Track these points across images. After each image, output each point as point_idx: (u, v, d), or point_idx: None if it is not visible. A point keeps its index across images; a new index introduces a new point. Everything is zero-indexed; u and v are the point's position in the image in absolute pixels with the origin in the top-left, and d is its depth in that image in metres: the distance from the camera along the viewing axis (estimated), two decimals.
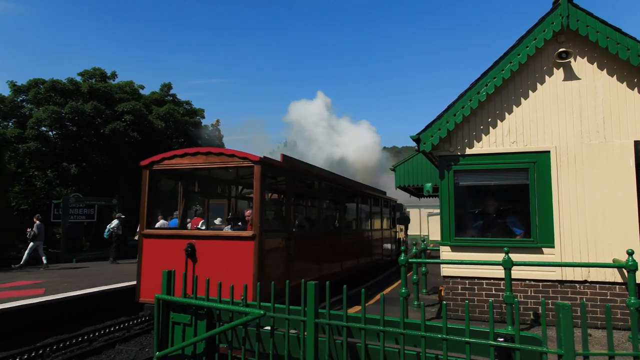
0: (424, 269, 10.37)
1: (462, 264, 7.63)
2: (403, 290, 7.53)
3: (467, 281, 7.95)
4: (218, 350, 3.35)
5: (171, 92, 32.60)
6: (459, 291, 7.97)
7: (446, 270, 8.07)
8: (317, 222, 11.17)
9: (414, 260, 7.95)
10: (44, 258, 16.37)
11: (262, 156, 7.71)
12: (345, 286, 2.96)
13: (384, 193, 18.42)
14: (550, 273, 7.50)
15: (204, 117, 34.35)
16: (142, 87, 30.82)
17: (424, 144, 8.02)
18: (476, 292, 7.89)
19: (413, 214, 38.78)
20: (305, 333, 2.90)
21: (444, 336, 2.54)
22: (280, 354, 3.11)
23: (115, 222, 18.46)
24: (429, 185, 11.55)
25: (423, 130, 8.08)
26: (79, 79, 28.52)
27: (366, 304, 2.83)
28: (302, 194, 12.14)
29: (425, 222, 34.25)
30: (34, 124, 24.95)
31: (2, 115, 26.00)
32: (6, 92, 27.13)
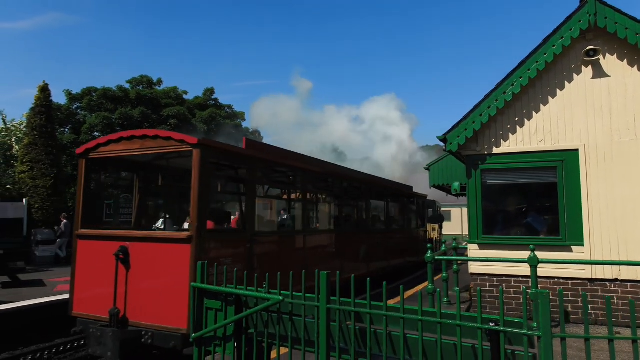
0: (455, 267, 10.49)
1: (487, 261, 7.75)
2: (430, 287, 7.76)
3: (495, 278, 8.06)
4: (245, 332, 3.78)
5: (213, 96, 33.80)
6: (487, 288, 8.09)
7: (474, 268, 8.21)
8: (304, 221, 9.48)
9: (440, 257, 8.14)
10: (59, 252, 17.42)
11: (202, 138, 6.37)
12: (368, 279, 3.28)
13: (410, 188, 17.09)
14: (579, 271, 7.50)
15: (244, 120, 35.42)
16: (186, 93, 32.19)
17: (450, 144, 8.20)
18: (504, 289, 7.98)
19: (454, 213, 38.19)
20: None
21: (438, 320, 2.84)
22: (298, 337, 3.50)
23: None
24: (456, 184, 11.63)
25: (449, 131, 8.25)
26: (127, 86, 30.17)
27: (388, 301, 3.13)
28: (281, 187, 10.61)
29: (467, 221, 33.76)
30: (87, 129, 26.67)
31: (60, 122, 27.90)
32: (62, 100, 29.05)
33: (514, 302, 7.87)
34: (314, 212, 11.17)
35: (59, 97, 37.37)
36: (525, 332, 2.55)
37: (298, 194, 10.04)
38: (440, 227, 22.46)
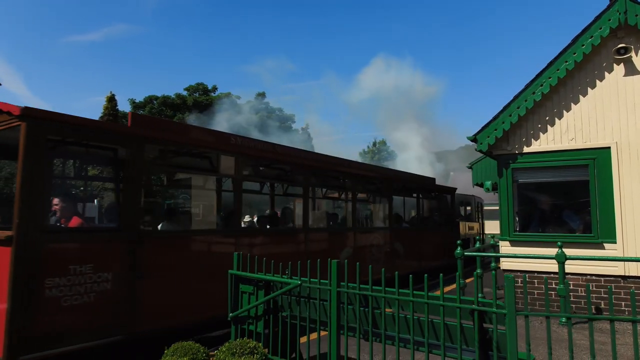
0: (493, 264, 10.65)
1: (516, 258, 7.96)
2: (461, 282, 8.09)
3: (527, 275, 8.23)
4: (273, 312, 4.43)
5: (264, 100, 35.18)
6: (519, 284, 8.28)
7: (506, 265, 8.43)
8: (238, 218, 7.42)
9: (469, 253, 8.42)
10: None
11: (31, 107, 4.71)
12: (383, 269, 3.80)
13: (432, 180, 14.73)
14: (612, 268, 7.54)
15: (294, 122, 36.53)
16: (239, 98, 33.74)
17: (481, 143, 8.47)
18: (536, 285, 8.15)
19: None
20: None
21: (425, 300, 3.34)
22: (314, 317, 4.11)
23: None
24: (488, 183, 11.72)
25: (480, 131, 8.52)
26: (185, 93, 32.13)
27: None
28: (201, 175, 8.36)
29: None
30: None
31: None
32: (128, 108, 31.41)
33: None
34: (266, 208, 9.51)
35: (124, 105, 40.46)
36: (494, 310, 3.00)
37: (236, 185, 7.44)
38: (482, 225, 20.53)
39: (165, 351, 3.81)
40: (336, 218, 10.91)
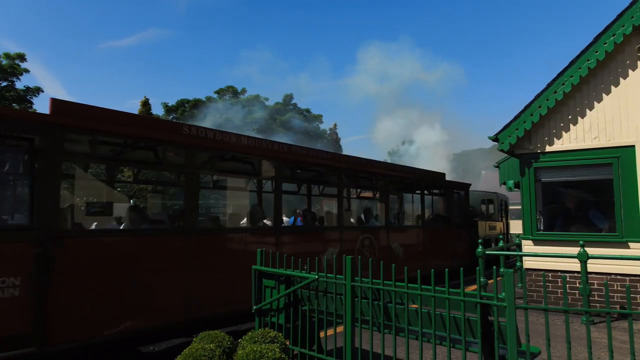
0: (518, 263, 10.64)
1: (537, 257, 7.99)
2: (482, 280, 8.17)
3: (550, 274, 8.24)
4: (293, 305, 4.73)
5: (292, 101, 35.67)
6: (542, 283, 8.30)
7: (528, 263, 8.47)
8: (191, 216, 6.41)
9: (490, 252, 8.49)
10: None
11: None
12: (393, 265, 4.06)
13: (442, 176, 13.50)
14: (638, 267, 7.48)
15: (322, 122, 36.85)
16: (267, 99, 34.35)
17: (502, 143, 8.53)
18: (559, 284, 8.15)
19: None
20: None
21: (432, 294, 3.56)
22: (331, 311, 4.38)
23: None
24: (510, 182, 11.65)
25: (501, 131, 8.58)
26: (215, 96, 32.98)
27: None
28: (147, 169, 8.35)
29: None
30: None
31: None
32: (161, 112, 32.52)
33: (570, 298, 8.00)
34: (223, 204, 9.08)
35: (158, 109, 41.83)
36: (495, 303, 3.19)
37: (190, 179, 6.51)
38: (506, 224, 19.21)
39: (194, 339, 4.17)
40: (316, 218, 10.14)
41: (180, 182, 8.29)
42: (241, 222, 8.70)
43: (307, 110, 35.97)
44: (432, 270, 3.68)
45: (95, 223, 6.59)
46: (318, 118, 36.36)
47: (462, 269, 3.49)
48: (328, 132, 37.97)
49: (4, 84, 21.39)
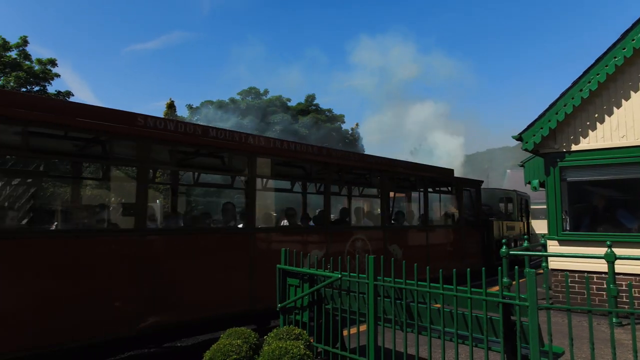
0: (543, 263, 10.50)
1: (562, 257, 7.89)
2: (505, 280, 8.12)
3: (576, 275, 8.13)
4: (317, 304, 4.83)
5: (314, 102, 35.82)
6: (569, 284, 8.18)
7: (554, 264, 8.36)
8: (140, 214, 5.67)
9: (515, 252, 8.42)
10: None
11: None
12: (415, 264, 4.10)
13: (450, 172, 12.35)
14: None
15: (344, 122, 36.90)
16: (289, 100, 34.63)
17: (526, 142, 8.44)
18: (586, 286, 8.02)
19: None
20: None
21: (454, 293, 3.60)
22: (354, 309, 4.47)
23: None
24: (535, 182, 11.46)
25: (525, 130, 8.50)
26: (238, 97, 33.41)
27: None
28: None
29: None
30: None
31: None
32: (186, 114, 33.14)
33: (597, 299, 7.87)
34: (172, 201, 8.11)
35: (182, 111, 42.72)
36: (517, 302, 3.22)
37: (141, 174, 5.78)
38: (527, 224, 18.26)
39: (222, 335, 4.31)
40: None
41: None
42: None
43: (329, 111, 36.16)
44: (454, 270, 3.72)
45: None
46: (340, 118, 36.48)
47: (483, 269, 3.52)
48: (350, 131, 38.03)
49: (37, 88, 22.18)
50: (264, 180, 8.95)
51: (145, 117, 6.03)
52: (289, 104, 33.94)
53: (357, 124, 39.75)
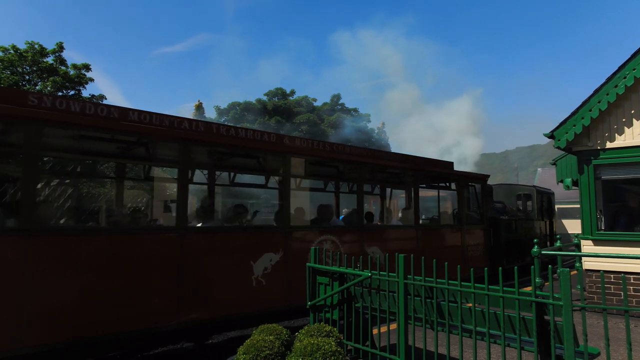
0: (577, 264, 10.24)
1: (597, 257, 7.69)
2: (538, 280, 7.97)
3: (612, 275, 7.92)
4: (346, 302, 4.88)
5: (340, 101, 35.85)
6: (604, 283, 7.97)
7: (589, 264, 8.17)
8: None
9: (547, 252, 8.24)
10: None
11: None
12: (446, 264, 4.10)
13: (449, 166, 11.18)
14: None
15: (369, 121, 36.76)
16: (315, 100, 34.79)
17: (558, 140, 8.27)
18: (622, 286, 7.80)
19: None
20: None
21: (486, 292, 3.59)
22: (384, 308, 4.50)
23: None
24: (568, 180, 11.17)
25: (557, 127, 8.32)
26: (265, 98, 33.75)
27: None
28: None
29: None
30: None
31: None
32: (213, 115, 33.70)
33: (634, 300, 7.65)
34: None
35: (211, 112, 43.45)
36: (551, 302, 3.19)
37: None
38: (550, 223, 16.75)
39: (254, 331, 4.42)
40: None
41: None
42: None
43: (355, 110, 36.14)
44: (486, 268, 3.71)
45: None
46: (366, 117, 36.40)
47: (516, 267, 3.49)
48: (376, 130, 37.88)
49: (72, 92, 22.98)
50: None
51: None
52: (315, 104, 34.14)
53: (382, 123, 39.57)
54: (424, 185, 10.74)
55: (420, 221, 10.33)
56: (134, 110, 5.86)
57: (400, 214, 10.63)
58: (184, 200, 5.86)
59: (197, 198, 8.28)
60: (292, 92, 34.03)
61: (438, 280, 4.01)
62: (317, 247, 6.67)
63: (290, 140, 7.69)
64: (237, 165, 8.36)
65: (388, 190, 11.57)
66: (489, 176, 12.22)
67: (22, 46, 21.85)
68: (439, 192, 11.19)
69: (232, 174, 8.89)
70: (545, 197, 16.60)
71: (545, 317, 3.42)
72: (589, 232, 8.10)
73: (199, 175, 8.41)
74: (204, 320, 5.88)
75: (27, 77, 22.10)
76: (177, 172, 6.18)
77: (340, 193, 10.57)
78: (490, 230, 11.72)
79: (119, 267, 5.19)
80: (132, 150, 6.99)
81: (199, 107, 28.18)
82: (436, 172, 10.47)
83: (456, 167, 11.77)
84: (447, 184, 11.07)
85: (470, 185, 11.38)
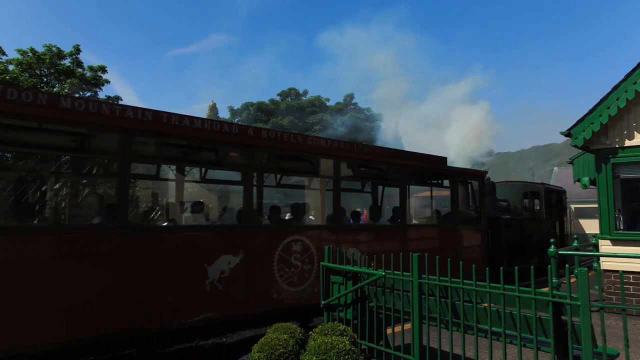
0: (595, 264, 10.08)
1: (616, 257, 7.56)
2: (555, 280, 7.86)
3: (630, 276, 7.78)
4: (360, 301, 4.88)
5: (353, 101, 35.80)
6: (623, 283, 7.83)
7: (607, 264, 8.03)
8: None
9: (564, 252, 8.12)
10: None
11: None
12: (460, 262, 4.08)
13: (442, 161, 10.14)
14: None
15: (382, 121, 36.67)
16: (328, 100, 34.76)
17: (575, 138, 8.15)
18: None
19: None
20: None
21: (502, 292, 3.56)
22: (398, 308, 4.48)
23: None
24: (585, 179, 10.97)
25: (574, 125, 8.20)
26: (278, 98, 33.87)
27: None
28: None
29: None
30: None
31: None
32: (227, 115, 33.92)
33: None
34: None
35: (224, 113, 43.74)
36: (568, 302, 3.15)
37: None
38: (561, 223, 15.97)
39: (268, 329, 4.44)
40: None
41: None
42: None
43: (368, 109, 36.11)
44: (501, 268, 3.67)
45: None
46: (378, 117, 36.33)
47: (532, 267, 3.45)
48: (389, 130, 37.76)
49: (89, 94, 23.33)
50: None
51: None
52: (328, 103, 34.17)
53: (396, 122, 39.43)
54: (413, 183, 9.74)
55: (416, 221, 9.98)
56: (66, 97, 5.42)
57: (392, 214, 9.66)
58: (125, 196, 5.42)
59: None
60: (305, 92, 34.19)
61: (452, 279, 3.98)
62: (282, 249, 6.49)
63: (255, 132, 6.92)
64: (196, 159, 7.30)
65: (379, 188, 10.56)
66: (486, 172, 11.20)
67: (40, 49, 22.26)
68: (432, 190, 10.56)
69: (202, 169, 8.18)
70: (555, 195, 15.70)
71: (563, 318, 3.38)
72: (607, 231, 7.96)
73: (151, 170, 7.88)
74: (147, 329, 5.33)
75: (45, 79, 22.51)
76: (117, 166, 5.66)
77: (311, 190, 9.58)
78: (488, 230, 10.68)
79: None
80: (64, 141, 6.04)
81: (213, 108, 28.39)
82: (426, 168, 9.48)
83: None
84: (440, 181, 10.09)
85: (467, 183, 10.38)
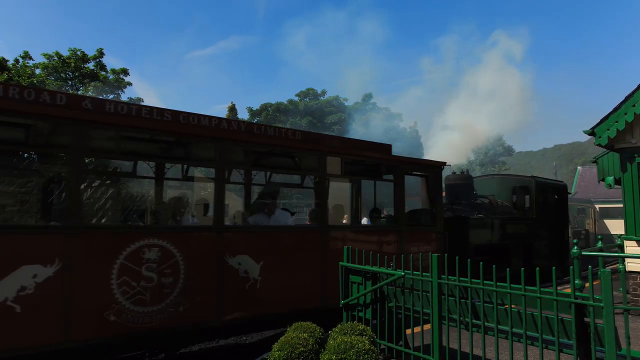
0: (620, 266, 9.85)
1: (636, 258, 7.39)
2: (577, 282, 7.73)
3: None
4: (379, 301, 4.90)
5: (371, 100, 35.70)
6: None
7: (632, 266, 7.86)
8: None
9: (587, 253, 7.97)
10: None
11: None
12: (480, 262, 4.06)
13: (386, 149, 8.21)
14: None
15: (401, 120, 36.46)
16: (346, 100, 34.75)
17: (599, 137, 7.99)
18: None
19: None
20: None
21: (522, 293, 3.53)
22: (417, 308, 4.48)
23: None
24: (610, 179, 10.72)
25: (598, 124, 8.04)
26: (296, 99, 34.01)
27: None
28: None
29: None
30: None
31: None
32: (246, 116, 34.23)
33: None
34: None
35: (243, 113, 44.10)
36: (591, 303, 3.11)
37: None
38: (563, 224, 13.90)
39: (288, 328, 4.49)
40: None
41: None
42: None
43: (386, 109, 35.94)
44: (522, 268, 3.65)
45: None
46: (397, 116, 36.13)
47: (554, 268, 3.42)
48: (408, 129, 37.51)
49: (112, 96, 23.86)
50: None
51: None
52: (346, 103, 34.21)
53: (415, 122, 39.16)
54: (340, 175, 7.67)
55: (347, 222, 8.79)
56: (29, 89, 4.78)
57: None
58: None
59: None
60: (324, 92, 34.28)
61: (473, 280, 3.97)
62: (128, 257, 4.90)
63: (91, 103, 5.23)
64: None
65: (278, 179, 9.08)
66: (444, 164, 8.98)
67: (65, 53, 22.86)
68: (375, 185, 9.03)
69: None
70: (551, 191, 13.28)
71: (585, 319, 3.34)
72: (632, 232, 7.79)
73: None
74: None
75: (70, 82, 23.11)
76: None
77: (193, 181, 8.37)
78: (445, 233, 8.74)
79: None
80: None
81: (232, 109, 28.70)
82: (357, 157, 7.76)
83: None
84: (380, 174, 8.40)
85: (420, 176, 8.83)
